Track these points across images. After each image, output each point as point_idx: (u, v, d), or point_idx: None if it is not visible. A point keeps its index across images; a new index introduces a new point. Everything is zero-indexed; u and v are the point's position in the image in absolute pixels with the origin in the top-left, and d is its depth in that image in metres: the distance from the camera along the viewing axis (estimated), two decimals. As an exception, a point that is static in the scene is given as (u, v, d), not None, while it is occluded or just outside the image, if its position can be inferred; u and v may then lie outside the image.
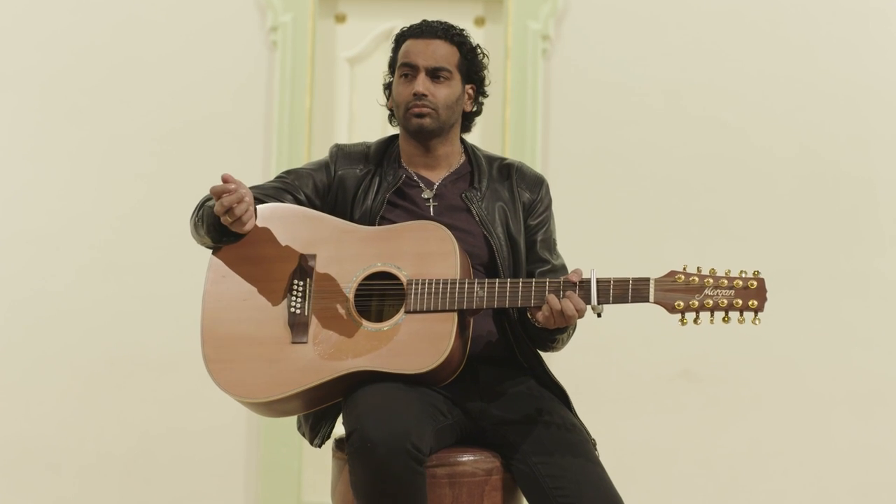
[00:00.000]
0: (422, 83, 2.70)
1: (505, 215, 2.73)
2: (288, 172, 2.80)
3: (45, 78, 4.60)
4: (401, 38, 2.78)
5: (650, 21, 4.64)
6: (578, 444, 2.53)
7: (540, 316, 2.50)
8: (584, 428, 2.62)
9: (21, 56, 4.60)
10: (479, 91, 2.82)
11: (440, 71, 2.72)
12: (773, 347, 4.49)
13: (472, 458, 2.55)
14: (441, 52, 2.73)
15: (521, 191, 2.78)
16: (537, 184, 2.81)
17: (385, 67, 2.86)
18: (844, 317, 4.54)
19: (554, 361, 2.79)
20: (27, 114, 4.60)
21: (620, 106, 4.61)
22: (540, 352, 2.73)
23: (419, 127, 2.71)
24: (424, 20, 2.79)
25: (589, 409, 2.83)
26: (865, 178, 4.58)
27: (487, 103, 2.91)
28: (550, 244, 2.79)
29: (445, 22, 2.78)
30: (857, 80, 4.61)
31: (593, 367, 4.41)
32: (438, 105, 2.71)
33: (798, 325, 4.46)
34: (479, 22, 4.72)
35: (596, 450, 2.58)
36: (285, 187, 2.74)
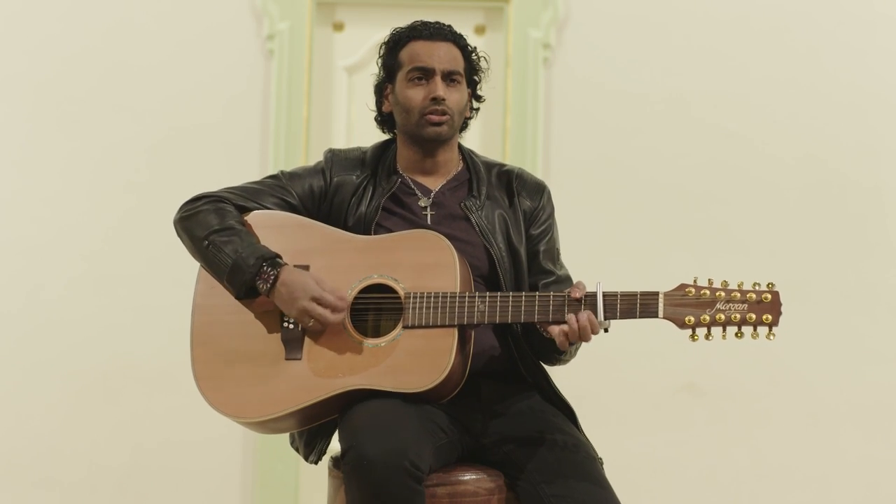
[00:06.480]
0: (441, 87, 2.61)
1: (505, 224, 2.66)
2: (281, 172, 2.72)
3: (36, 85, 4.56)
4: (401, 40, 2.69)
5: (652, 28, 4.62)
6: (585, 464, 2.46)
7: (556, 334, 2.42)
8: (591, 445, 2.55)
9: (11, 64, 4.56)
10: (475, 95, 2.75)
11: (454, 74, 2.65)
12: (778, 360, 4.45)
13: (473, 476, 2.49)
14: (453, 56, 2.66)
15: (522, 199, 2.70)
16: (538, 191, 2.73)
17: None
18: (852, 329, 4.51)
19: (555, 374, 2.72)
20: (18, 122, 4.56)
21: (622, 114, 4.59)
22: (545, 365, 2.65)
23: (436, 135, 2.63)
24: (423, 21, 2.70)
25: (590, 423, 2.77)
26: (873, 187, 4.54)
27: (488, 111, 2.83)
28: (554, 254, 2.72)
29: (447, 24, 2.70)
30: (865, 87, 4.58)
31: (594, 379, 4.36)
32: (454, 111, 2.64)
33: (804, 337, 4.42)
34: (480, 30, 4.70)
35: (602, 468, 2.51)
36: (270, 190, 2.65)
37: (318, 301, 2.45)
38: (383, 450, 2.26)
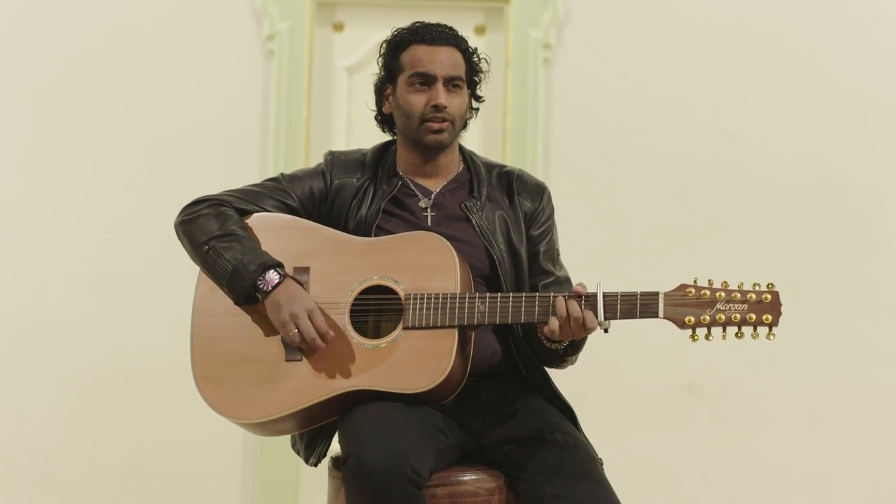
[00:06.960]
0: (443, 95, 2.60)
1: (506, 225, 2.65)
2: (281, 175, 2.71)
3: (36, 85, 4.56)
4: (402, 42, 2.67)
5: (652, 28, 4.62)
6: (585, 464, 2.46)
7: (546, 329, 2.42)
8: (591, 446, 2.54)
9: (12, 64, 4.56)
10: (474, 96, 2.73)
11: (456, 80, 2.63)
12: (779, 360, 4.45)
13: (474, 477, 2.49)
14: (455, 60, 2.63)
15: (522, 199, 2.69)
16: (539, 192, 2.73)
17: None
18: (852, 329, 4.50)
19: (555, 374, 2.73)
20: (18, 123, 4.55)
21: (622, 114, 4.58)
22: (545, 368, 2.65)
23: (437, 143, 2.62)
24: (425, 24, 2.68)
25: (590, 423, 2.77)
26: (873, 187, 4.54)
27: (488, 112, 2.83)
28: (553, 255, 2.71)
29: (449, 27, 2.68)
30: (864, 87, 4.58)
31: (594, 379, 4.35)
32: (455, 116, 2.63)
33: (804, 337, 4.41)
34: (480, 30, 4.69)
35: (602, 468, 2.51)
36: (270, 193, 2.65)
37: (310, 316, 2.45)
38: (384, 456, 2.26)
